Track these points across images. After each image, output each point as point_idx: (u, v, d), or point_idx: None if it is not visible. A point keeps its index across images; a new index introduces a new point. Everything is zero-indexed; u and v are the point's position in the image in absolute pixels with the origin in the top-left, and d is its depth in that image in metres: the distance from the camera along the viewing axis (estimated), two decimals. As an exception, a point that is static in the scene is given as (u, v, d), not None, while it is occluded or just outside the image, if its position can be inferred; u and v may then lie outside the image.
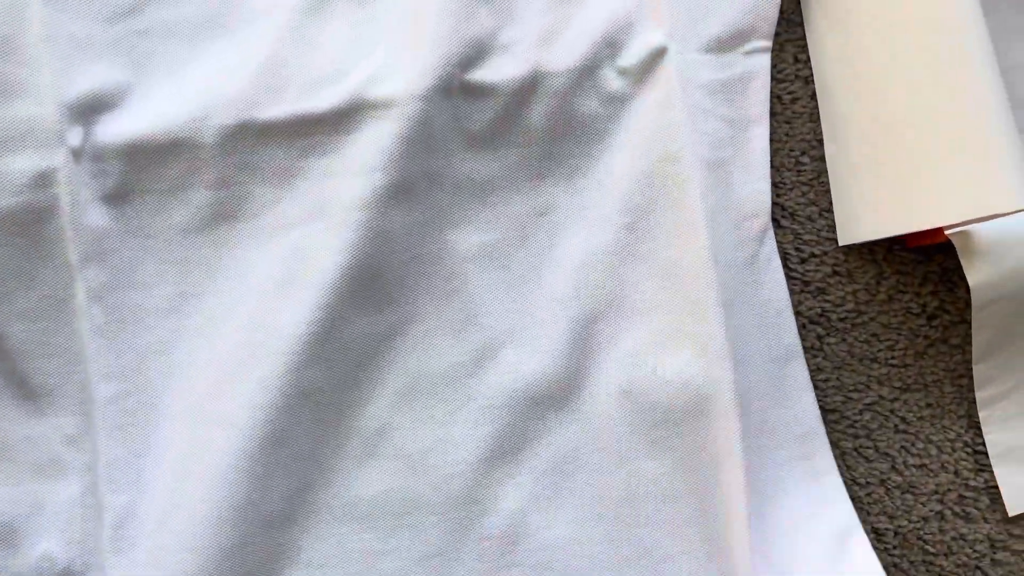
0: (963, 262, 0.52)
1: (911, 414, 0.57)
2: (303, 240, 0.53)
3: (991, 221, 0.51)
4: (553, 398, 0.54)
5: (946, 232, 0.52)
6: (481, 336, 0.54)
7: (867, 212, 0.55)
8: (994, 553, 0.56)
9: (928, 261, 0.58)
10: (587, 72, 0.55)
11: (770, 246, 0.57)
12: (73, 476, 0.53)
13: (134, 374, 0.53)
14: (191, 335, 0.53)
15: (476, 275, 0.55)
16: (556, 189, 0.55)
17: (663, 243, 0.54)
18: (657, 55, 0.55)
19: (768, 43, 0.58)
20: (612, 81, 0.55)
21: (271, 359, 0.52)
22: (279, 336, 0.52)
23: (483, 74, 0.54)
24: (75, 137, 0.52)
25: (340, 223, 0.52)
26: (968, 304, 0.57)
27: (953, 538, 0.57)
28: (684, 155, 0.54)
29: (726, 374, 0.52)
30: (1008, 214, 0.50)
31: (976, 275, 0.52)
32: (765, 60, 0.57)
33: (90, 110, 0.52)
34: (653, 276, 0.54)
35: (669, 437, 0.53)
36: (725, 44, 0.57)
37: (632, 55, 0.55)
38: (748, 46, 0.57)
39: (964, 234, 0.51)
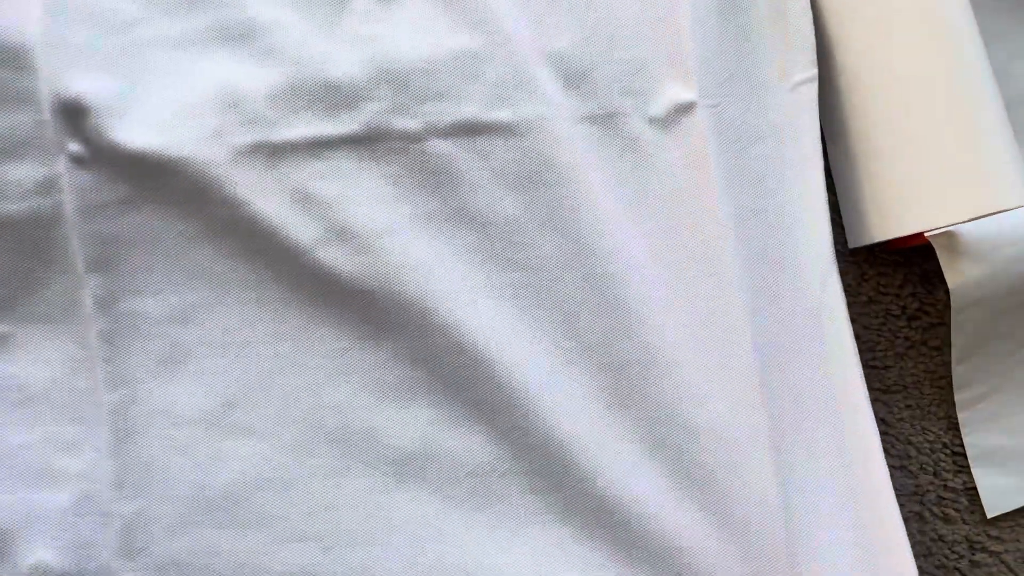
0: (943, 264, 0.52)
1: (891, 415, 0.57)
2: (321, 262, 0.52)
3: (970, 223, 0.51)
4: (581, 441, 0.53)
5: (926, 235, 0.52)
6: (507, 375, 0.53)
7: (877, 212, 0.55)
8: (972, 554, 0.57)
9: (908, 263, 0.58)
10: (612, 118, 0.54)
11: (834, 292, 0.55)
12: (67, 484, 0.53)
13: (142, 381, 0.53)
14: (202, 344, 0.53)
15: (504, 315, 0.54)
16: (586, 233, 0.53)
17: (695, 296, 0.54)
18: (684, 110, 0.54)
19: (812, 72, 0.56)
20: (638, 129, 0.54)
21: (298, 372, 0.52)
22: (304, 351, 0.52)
23: (508, 114, 0.53)
24: (76, 144, 0.52)
25: (361, 248, 0.52)
26: (947, 306, 0.57)
27: (932, 539, 0.57)
28: (716, 211, 0.53)
29: (760, 426, 0.52)
30: (1007, 210, 0.50)
31: (955, 278, 0.52)
32: (811, 91, 0.56)
33: (91, 117, 0.51)
34: (686, 327, 0.53)
35: (698, 489, 0.53)
36: (766, 85, 0.56)
37: (658, 106, 0.54)
38: (792, 80, 0.56)
39: (943, 236, 0.52)
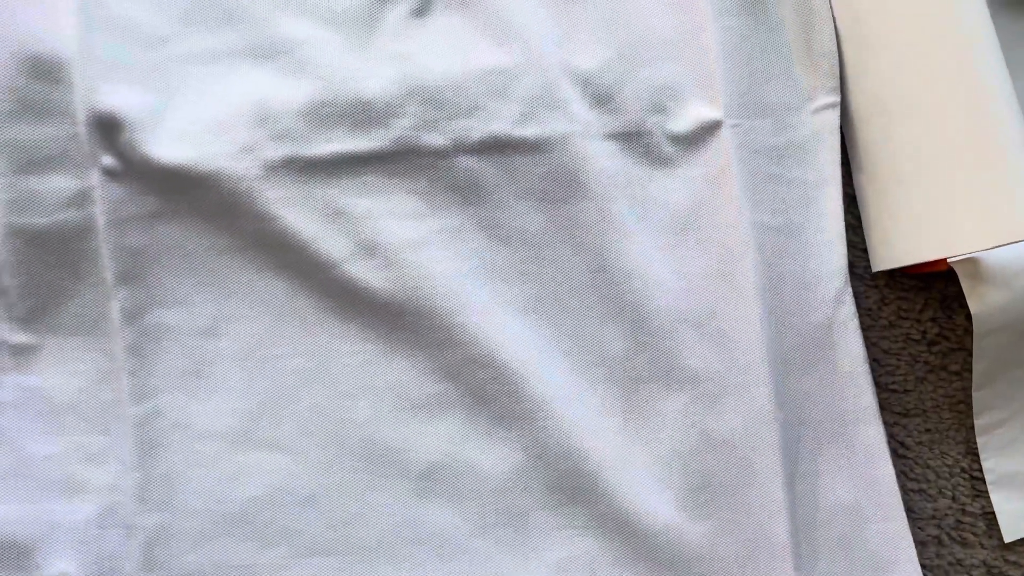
0: (965, 291, 0.53)
1: (910, 439, 0.58)
2: (350, 276, 0.53)
3: (994, 251, 0.52)
4: (601, 454, 0.54)
5: (948, 261, 0.53)
6: (529, 390, 0.54)
7: (901, 238, 0.55)
8: (989, 579, 0.57)
9: (928, 288, 0.58)
10: (637, 135, 0.55)
11: (847, 308, 0.56)
12: (91, 496, 0.53)
13: (167, 394, 0.53)
14: (227, 357, 0.53)
15: (526, 329, 0.54)
16: (609, 249, 0.54)
17: (715, 311, 0.54)
18: (709, 129, 0.55)
19: (835, 98, 0.57)
20: (663, 145, 0.55)
21: (323, 386, 0.53)
22: (332, 364, 0.53)
23: (536, 131, 0.54)
24: (110, 158, 0.52)
25: (389, 262, 0.52)
26: (967, 331, 0.58)
27: (950, 563, 0.57)
28: (738, 227, 0.54)
29: (773, 439, 0.53)
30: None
31: (978, 304, 0.53)
32: (833, 116, 0.57)
33: (124, 131, 0.52)
34: (704, 341, 0.54)
35: (713, 501, 0.54)
36: (789, 106, 0.57)
37: (683, 123, 0.55)
38: (814, 104, 0.57)
39: (966, 263, 0.52)
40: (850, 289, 0.56)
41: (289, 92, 0.53)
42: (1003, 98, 0.52)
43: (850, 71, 0.57)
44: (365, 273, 0.53)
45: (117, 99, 0.52)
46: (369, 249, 0.53)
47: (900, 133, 0.54)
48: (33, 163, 0.52)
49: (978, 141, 0.52)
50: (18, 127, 0.52)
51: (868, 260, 0.58)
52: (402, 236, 0.53)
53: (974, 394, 0.56)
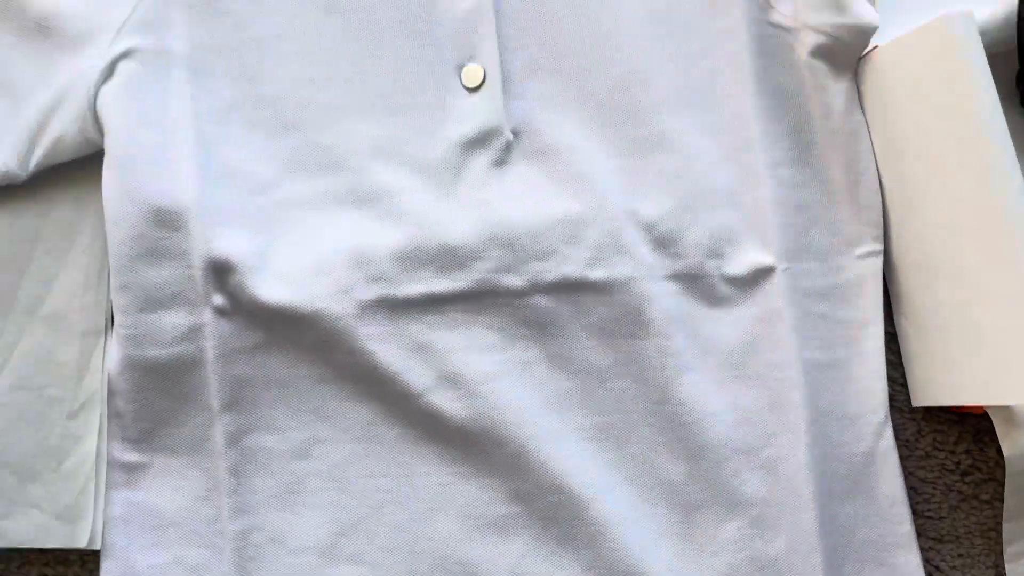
0: (999, 434, 0.57)
1: (944, 563, 0.62)
2: (432, 405, 0.57)
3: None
4: (657, 574, 0.57)
5: (983, 405, 0.57)
6: (593, 513, 0.58)
7: (940, 379, 0.59)
8: None
9: (962, 422, 0.63)
10: (696, 277, 0.60)
11: (888, 440, 0.60)
12: None
13: (263, 511, 0.58)
14: (318, 477, 0.58)
15: (591, 456, 0.59)
16: (669, 382, 0.59)
17: (767, 441, 0.59)
18: (763, 273, 0.60)
19: (879, 246, 0.62)
20: (720, 287, 0.60)
21: (404, 506, 0.58)
22: (413, 485, 0.58)
23: (604, 273, 0.59)
24: (220, 297, 0.57)
25: (468, 393, 0.57)
26: (998, 463, 0.62)
27: None
28: (788, 363, 0.59)
29: (817, 563, 0.57)
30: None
31: (1010, 447, 0.57)
32: (877, 263, 0.62)
33: (235, 274, 0.57)
34: (756, 470, 0.59)
35: None
36: (836, 251, 0.62)
37: (738, 266, 0.60)
38: (859, 250, 0.62)
39: (1001, 408, 0.57)
40: (890, 422, 0.61)
41: (383, 238, 0.58)
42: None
43: (894, 223, 0.62)
44: (446, 403, 0.58)
45: (228, 244, 0.57)
46: (450, 380, 0.58)
47: (942, 286, 0.59)
48: (152, 302, 0.57)
49: (1014, 301, 0.56)
50: (142, 270, 0.57)
51: (906, 394, 0.63)
52: (480, 368, 0.58)
53: (1004, 525, 0.61)
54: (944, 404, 0.60)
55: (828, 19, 0.60)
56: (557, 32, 0.61)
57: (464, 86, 0.60)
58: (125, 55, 0.58)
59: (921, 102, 0.57)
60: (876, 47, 0.60)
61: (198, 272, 0.57)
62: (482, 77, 0.60)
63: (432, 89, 0.60)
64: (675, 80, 0.61)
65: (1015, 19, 0.60)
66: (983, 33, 0.58)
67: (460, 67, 0.60)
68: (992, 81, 0.54)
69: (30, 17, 0.59)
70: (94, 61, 0.58)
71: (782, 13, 0.61)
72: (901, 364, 0.63)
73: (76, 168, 0.60)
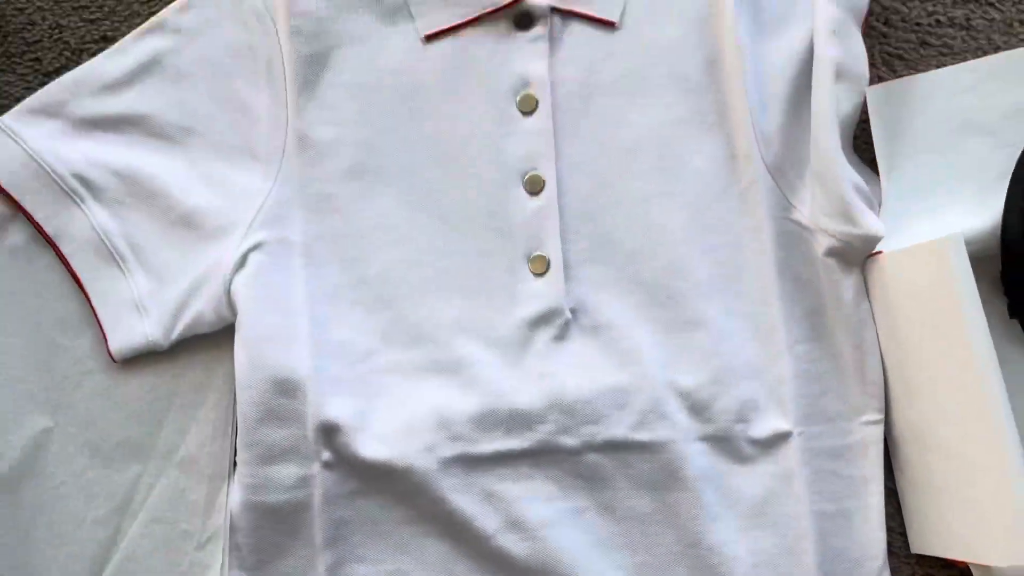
0: (978, 587, 0.67)
1: None
2: (499, 546, 0.68)
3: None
4: None
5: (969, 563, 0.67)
6: None
7: (934, 533, 0.70)
8: None
9: (951, 567, 0.73)
10: (724, 439, 0.71)
11: None
12: None
13: None
14: None
15: None
16: (700, 529, 0.69)
17: None
18: (782, 436, 0.71)
19: (880, 416, 0.72)
20: (744, 448, 0.71)
21: None
22: None
23: (647, 435, 0.70)
24: (328, 453, 0.68)
25: (530, 536, 0.68)
26: (982, 605, 0.73)
27: None
28: (802, 514, 0.70)
29: None
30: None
31: (989, 599, 0.67)
32: (879, 430, 0.72)
33: (340, 434, 0.68)
34: None
35: None
36: (844, 417, 0.72)
37: (761, 430, 0.71)
38: (864, 418, 0.72)
39: (982, 567, 0.67)
40: (888, 566, 0.71)
41: (462, 403, 0.70)
42: (1012, 440, 0.67)
43: (894, 399, 0.72)
44: (511, 544, 0.68)
45: (336, 410, 0.68)
46: (515, 525, 0.69)
47: (933, 457, 0.69)
48: (270, 457, 0.68)
49: (992, 477, 0.66)
50: (265, 431, 0.68)
51: (903, 540, 0.73)
52: (540, 515, 0.69)
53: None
54: (936, 555, 0.70)
55: (840, 227, 0.70)
56: (611, 226, 0.72)
57: (531, 272, 0.71)
58: (255, 248, 0.70)
59: (918, 305, 0.68)
60: (882, 252, 0.71)
61: (311, 433, 0.68)
62: (547, 265, 0.71)
63: (504, 274, 0.71)
64: (710, 269, 0.72)
65: (999, 229, 0.71)
66: (974, 241, 0.69)
67: (528, 256, 0.71)
68: (977, 292, 0.65)
69: (177, 212, 0.71)
70: (231, 252, 0.70)
71: (802, 212, 0.72)
72: (899, 514, 0.73)
73: (206, 338, 0.72)
